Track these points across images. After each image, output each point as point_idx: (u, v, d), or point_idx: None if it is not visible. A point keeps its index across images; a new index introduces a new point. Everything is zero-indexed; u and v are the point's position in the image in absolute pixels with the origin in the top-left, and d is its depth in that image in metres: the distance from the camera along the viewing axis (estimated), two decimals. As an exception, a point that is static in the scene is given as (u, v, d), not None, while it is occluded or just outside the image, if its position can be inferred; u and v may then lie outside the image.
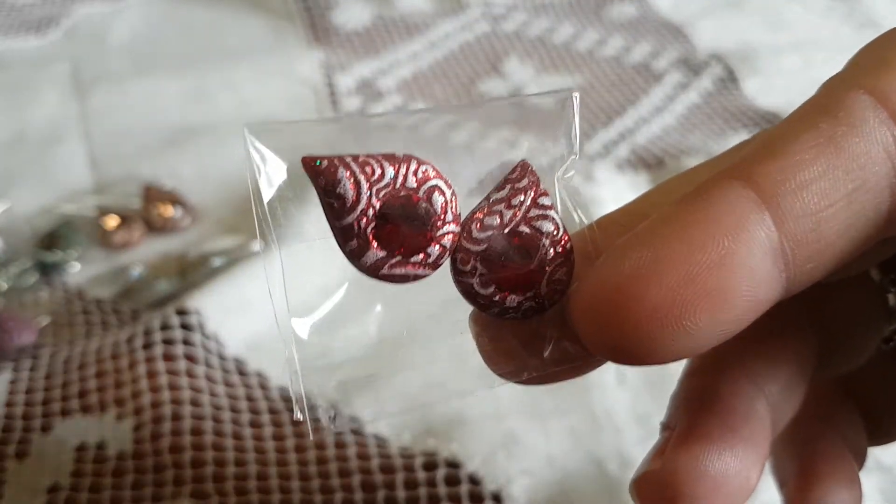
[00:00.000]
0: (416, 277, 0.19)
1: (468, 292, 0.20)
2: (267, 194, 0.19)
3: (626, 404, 0.38)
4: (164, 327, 0.39)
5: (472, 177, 0.20)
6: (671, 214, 0.17)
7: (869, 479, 0.35)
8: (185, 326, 0.39)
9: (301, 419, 0.19)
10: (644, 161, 0.52)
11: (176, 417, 0.35)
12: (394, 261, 0.19)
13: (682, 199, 0.17)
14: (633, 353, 0.17)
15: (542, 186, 0.20)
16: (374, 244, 0.19)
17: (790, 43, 0.63)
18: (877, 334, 0.26)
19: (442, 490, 0.34)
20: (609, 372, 0.39)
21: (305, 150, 0.19)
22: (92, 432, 0.35)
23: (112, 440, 0.35)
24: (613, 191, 0.50)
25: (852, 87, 0.18)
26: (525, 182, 0.20)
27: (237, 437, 0.35)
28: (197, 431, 0.35)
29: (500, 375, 0.20)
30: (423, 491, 0.34)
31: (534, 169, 0.20)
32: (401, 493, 0.34)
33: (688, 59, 0.62)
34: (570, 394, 0.38)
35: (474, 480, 0.34)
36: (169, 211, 0.48)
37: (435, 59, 0.64)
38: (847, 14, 0.66)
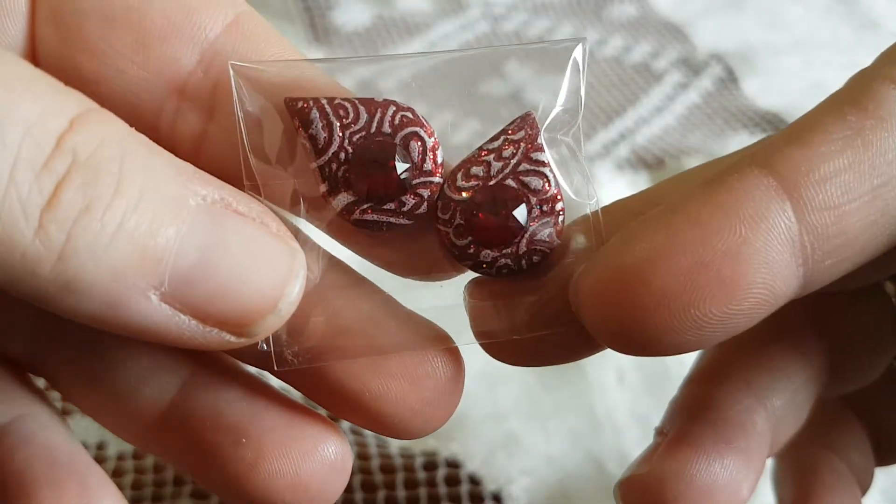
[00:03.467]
0: (391, 226, 0.19)
1: (444, 241, 0.19)
2: (250, 132, 0.18)
3: (625, 404, 0.38)
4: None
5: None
6: (687, 199, 0.16)
7: (869, 479, 0.35)
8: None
9: (265, 349, 0.19)
10: (644, 161, 0.52)
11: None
12: (365, 206, 0.19)
13: (700, 184, 0.17)
14: (638, 340, 0.16)
15: (540, 141, 0.19)
16: (345, 188, 0.18)
17: (790, 43, 0.63)
18: (888, 351, 0.25)
19: (442, 490, 0.34)
20: (609, 372, 0.39)
21: (294, 90, 0.19)
22: (92, 432, 0.35)
23: (112, 440, 0.35)
24: (613, 191, 0.50)
25: (882, 79, 0.17)
26: (521, 135, 0.19)
27: (237, 437, 0.35)
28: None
29: (478, 335, 0.20)
30: (423, 491, 0.34)
31: (536, 122, 0.19)
32: (401, 493, 0.34)
33: (688, 59, 0.62)
34: (570, 394, 0.38)
35: (474, 480, 0.34)
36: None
37: (435, 60, 0.64)
38: (847, 14, 0.66)
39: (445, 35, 0.65)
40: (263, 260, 0.17)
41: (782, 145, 0.17)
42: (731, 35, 0.65)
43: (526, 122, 0.19)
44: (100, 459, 0.34)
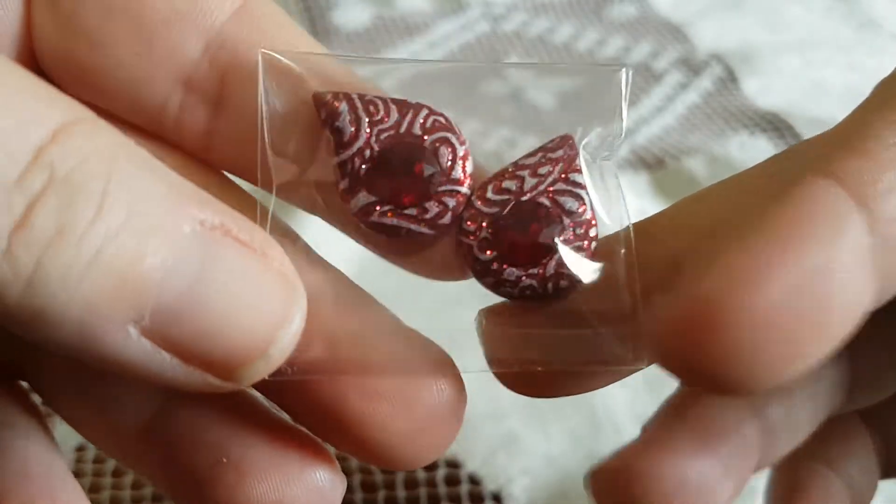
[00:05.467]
0: (411, 233, 0.18)
1: (466, 255, 0.18)
2: (272, 125, 0.17)
3: (625, 404, 0.38)
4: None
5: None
6: (760, 217, 0.15)
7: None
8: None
9: None
10: (644, 161, 0.52)
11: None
12: (385, 209, 0.17)
13: (770, 200, 0.15)
14: (732, 376, 0.14)
15: (578, 163, 0.18)
16: (366, 187, 0.17)
17: (790, 43, 0.63)
18: None
19: (442, 490, 0.34)
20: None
21: (324, 84, 0.18)
22: (92, 432, 0.35)
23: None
24: (613, 191, 0.50)
25: None
26: (559, 154, 0.18)
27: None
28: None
29: (492, 362, 0.18)
30: (423, 491, 0.34)
31: (575, 144, 0.18)
32: (401, 493, 0.34)
33: (688, 59, 0.62)
34: (570, 394, 0.38)
35: (474, 480, 0.34)
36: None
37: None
38: (847, 14, 0.66)
39: (446, 35, 0.65)
40: (258, 298, 0.15)
41: (840, 153, 0.15)
42: (731, 35, 0.65)
43: (565, 142, 0.18)
44: (100, 460, 0.34)
